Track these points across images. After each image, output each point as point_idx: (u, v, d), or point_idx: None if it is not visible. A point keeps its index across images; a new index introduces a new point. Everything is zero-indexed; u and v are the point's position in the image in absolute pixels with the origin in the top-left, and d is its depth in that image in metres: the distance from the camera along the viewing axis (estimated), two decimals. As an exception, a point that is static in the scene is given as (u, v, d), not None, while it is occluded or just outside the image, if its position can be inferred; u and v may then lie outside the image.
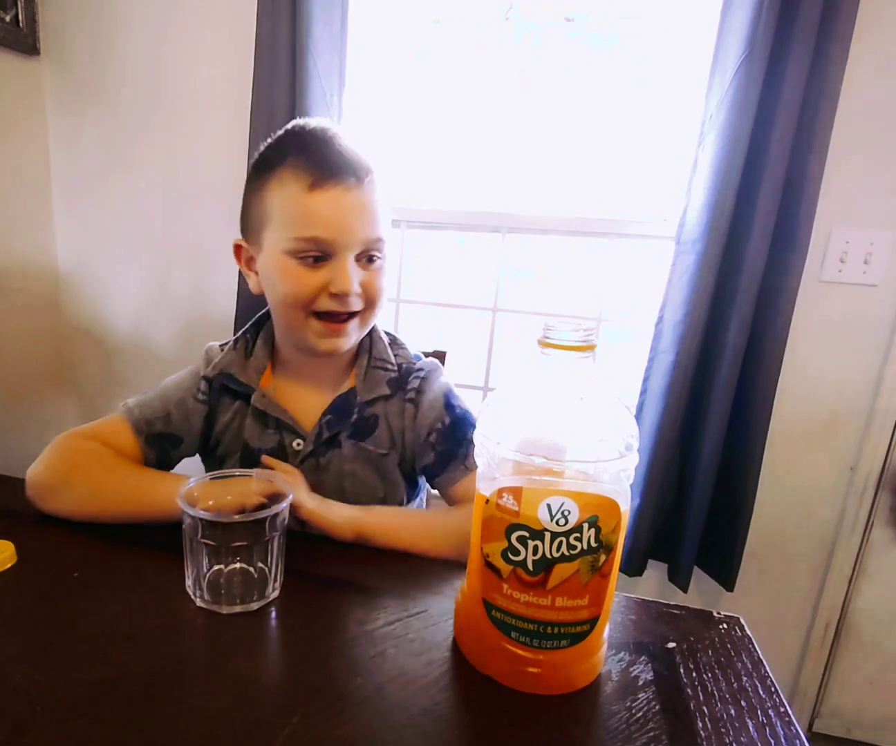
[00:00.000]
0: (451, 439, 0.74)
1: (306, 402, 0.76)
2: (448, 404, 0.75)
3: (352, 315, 0.69)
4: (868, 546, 1.34)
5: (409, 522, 0.69)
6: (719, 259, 1.18)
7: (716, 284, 1.19)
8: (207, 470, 0.82)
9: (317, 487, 0.70)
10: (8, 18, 1.43)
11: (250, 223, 0.71)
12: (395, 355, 0.78)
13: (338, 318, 0.69)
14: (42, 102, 1.57)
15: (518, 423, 0.47)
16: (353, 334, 0.71)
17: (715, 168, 1.15)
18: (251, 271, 0.74)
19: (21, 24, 1.46)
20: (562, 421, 0.47)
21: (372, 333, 0.78)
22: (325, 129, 0.68)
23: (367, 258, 0.68)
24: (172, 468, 0.77)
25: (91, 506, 0.65)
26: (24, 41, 1.48)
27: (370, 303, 0.70)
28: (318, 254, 0.66)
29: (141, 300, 1.64)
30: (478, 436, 0.49)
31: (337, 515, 0.64)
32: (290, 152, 0.67)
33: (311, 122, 0.70)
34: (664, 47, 1.35)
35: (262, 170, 0.69)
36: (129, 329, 1.67)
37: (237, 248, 0.75)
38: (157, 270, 1.61)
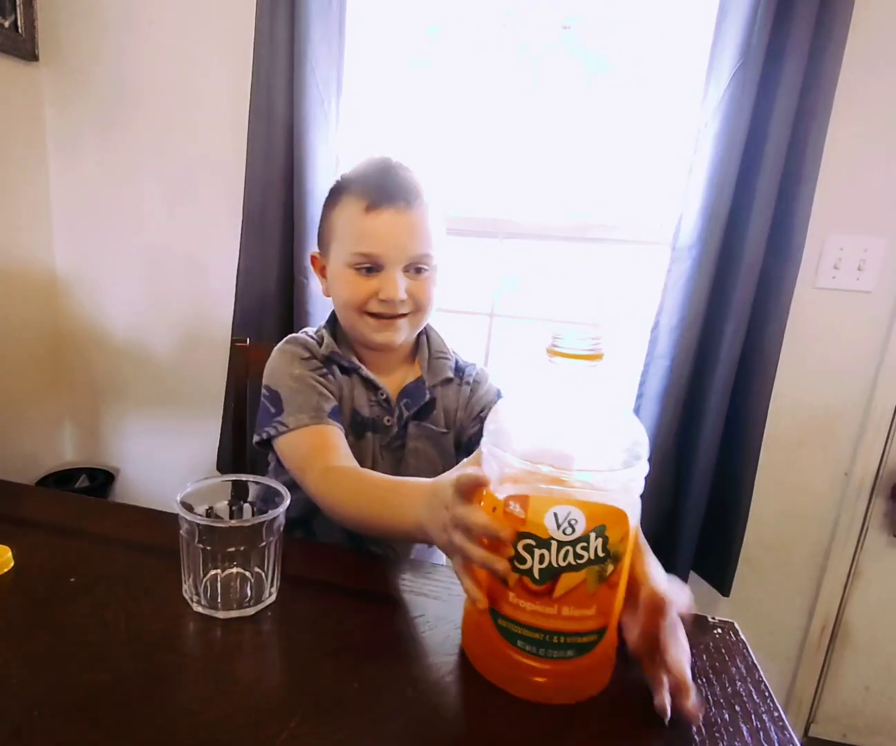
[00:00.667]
0: None
1: (388, 385, 0.84)
2: (500, 395, 0.87)
3: (400, 314, 0.78)
4: (863, 551, 1.35)
5: None
6: (715, 265, 1.18)
7: (711, 290, 1.20)
8: None
9: (396, 466, 0.81)
10: (7, 24, 1.43)
11: (323, 237, 0.83)
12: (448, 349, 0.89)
13: (387, 317, 0.78)
14: (41, 108, 1.57)
15: (526, 431, 0.48)
16: (403, 330, 0.80)
17: (710, 175, 1.16)
18: (323, 277, 0.85)
19: (20, 30, 1.46)
20: (569, 429, 0.47)
21: (429, 332, 0.88)
22: (384, 160, 0.79)
23: (414, 269, 0.77)
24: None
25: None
26: (23, 47, 1.48)
27: (418, 306, 0.79)
28: (370, 266, 0.76)
29: (138, 305, 1.65)
30: (486, 444, 0.49)
31: None
32: (353, 180, 0.78)
33: (376, 155, 0.81)
34: (660, 55, 1.37)
35: (333, 194, 0.81)
36: (126, 334, 1.67)
37: (314, 259, 0.86)
38: (155, 275, 1.61)
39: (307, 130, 1.28)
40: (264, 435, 0.77)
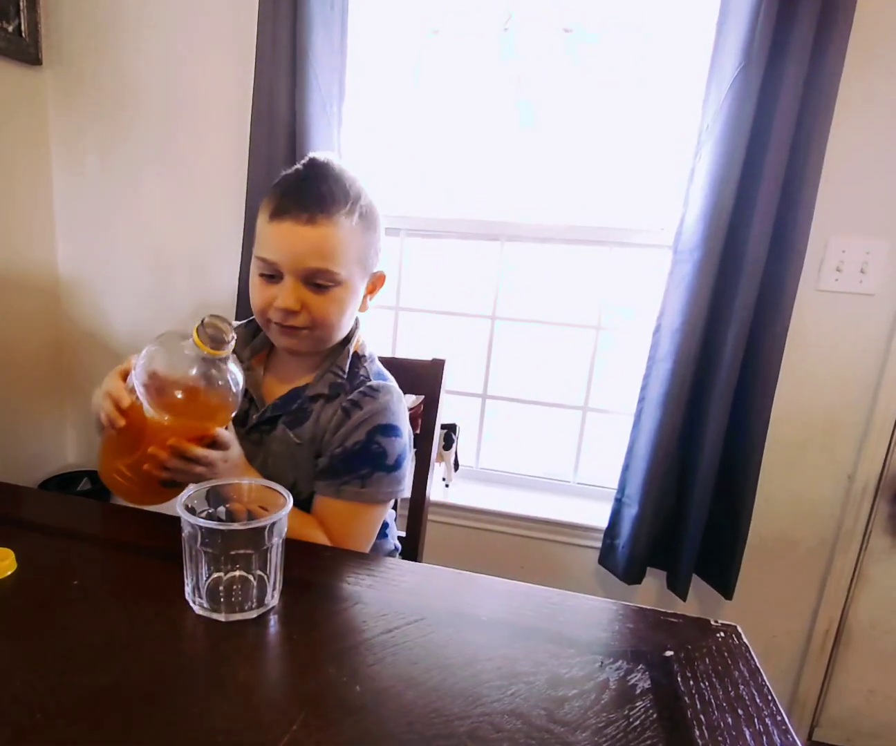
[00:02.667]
0: (350, 460, 0.78)
1: (280, 387, 0.85)
2: (373, 432, 0.78)
3: (297, 328, 0.77)
4: (866, 553, 1.34)
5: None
6: (717, 267, 1.18)
7: (713, 293, 1.20)
8: None
9: (250, 458, 0.78)
10: (10, 28, 1.44)
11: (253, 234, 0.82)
12: (354, 368, 0.83)
13: (285, 327, 0.77)
14: (44, 112, 1.58)
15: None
16: (306, 342, 0.79)
17: (712, 178, 1.15)
18: None
19: (24, 34, 1.47)
20: None
21: (347, 345, 0.83)
22: (309, 167, 0.77)
23: (314, 284, 0.75)
24: None
25: None
26: (27, 51, 1.49)
27: (315, 322, 0.77)
28: (271, 273, 0.75)
29: (140, 308, 1.65)
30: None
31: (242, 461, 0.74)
32: (277, 184, 0.78)
33: (314, 158, 0.78)
34: (661, 58, 1.37)
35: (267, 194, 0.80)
36: (128, 336, 1.68)
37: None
38: (157, 279, 1.62)
39: (309, 134, 1.29)
40: None
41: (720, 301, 1.21)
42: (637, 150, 1.42)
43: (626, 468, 1.36)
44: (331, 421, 0.79)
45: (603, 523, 1.41)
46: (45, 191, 1.62)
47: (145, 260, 1.61)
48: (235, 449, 0.72)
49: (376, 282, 0.84)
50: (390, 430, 0.79)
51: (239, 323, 0.90)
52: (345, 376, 0.82)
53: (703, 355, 1.24)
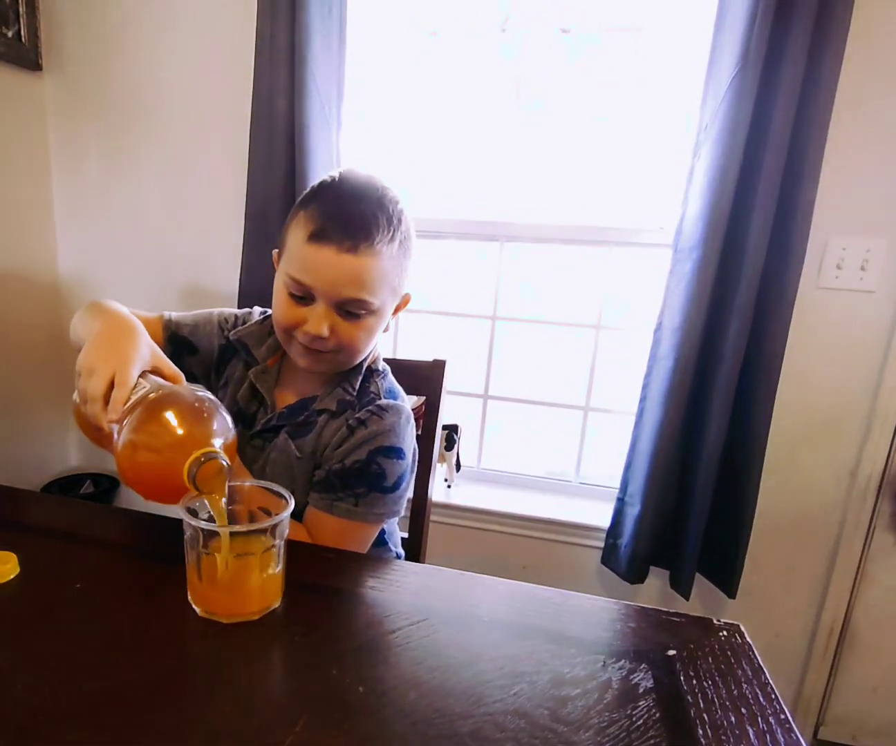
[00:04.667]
0: (347, 478, 0.76)
1: (289, 394, 0.83)
2: (374, 453, 0.76)
3: (323, 350, 0.75)
4: (870, 551, 1.34)
5: None
6: (717, 266, 1.18)
7: (714, 291, 1.20)
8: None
9: (250, 463, 0.79)
10: (10, 34, 1.44)
11: (281, 242, 0.78)
12: (366, 383, 0.82)
13: (310, 349, 0.75)
14: (44, 117, 1.58)
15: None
16: (327, 364, 0.77)
17: (711, 177, 1.15)
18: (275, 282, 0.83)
19: (23, 40, 1.48)
20: None
21: (363, 361, 0.82)
22: (351, 184, 0.74)
23: (346, 311, 0.73)
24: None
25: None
26: (27, 56, 1.49)
27: (341, 347, 0.75)
28: (300, 294, 0.73)
29: (142, 310, 1.65)
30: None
31: None
32: (315, 198, 0.73)
33: (351, 175, 0.75)
34: (659, 58, 1.37)
35: (298, 204, 0.76)
36: (130, 340, 1.68)
37: (275, 257, 0.81)
38: (158, 281, 1.62)
39: (308, 135, 1.29)
40: None
41: (721, 299, 1.21)
42: (636, 150, 1.42)
43: (627, 467, 1.36)
44: (333, 437, 0.78)
45: (605, 523, 1.41)
46: (46, 195, 1.62)
47: (146, 263, 1.62)
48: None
49: (402, 304, 0.82)
50: (393, 452, 0.77)
51: (262, 312, 0.91)
52: (354, 394, 0.80)
53: (705, 353, 1.24)
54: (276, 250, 0.80)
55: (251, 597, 0.55)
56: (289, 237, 0.75)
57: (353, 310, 0.72)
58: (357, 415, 0.78)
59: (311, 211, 0.71)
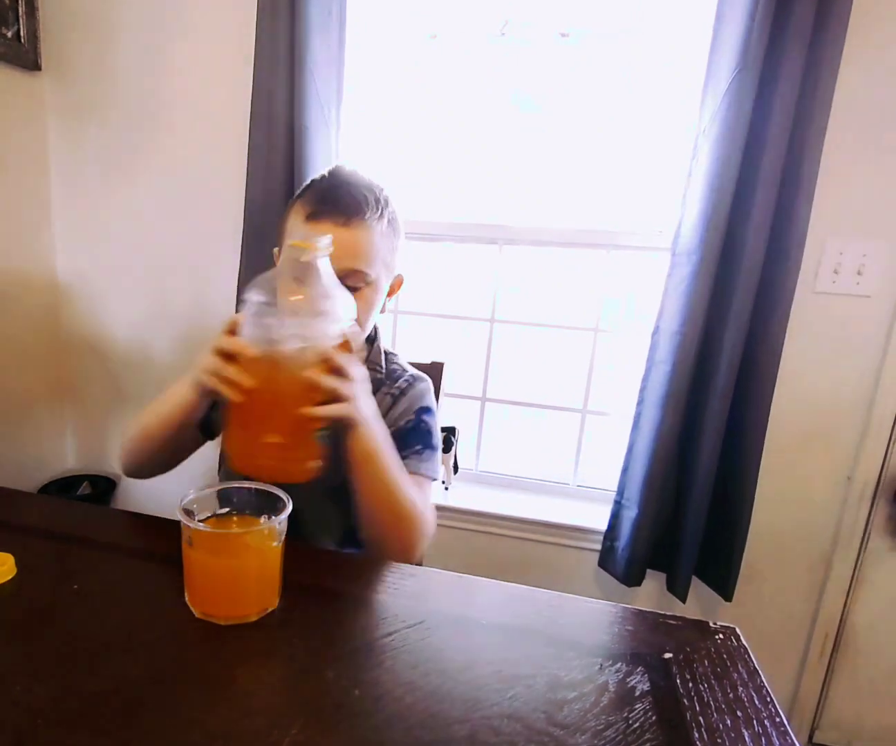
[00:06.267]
0: (404, 437, 0.82)
1: None
2: (419, 412, 0.85)
3: None
4: (866, 555, 1.34)
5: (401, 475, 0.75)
6: (715, 270, 1.19)
7: (711, 295, 1.20)
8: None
9: None
10: (10, 34, 1.44)
11: (280, 236, 0.85)
12: (390, 365, 0.89)
13: None
14: (43, 117, 1.58)
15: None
16: None
17: (709, 180, 1.16)
18: None
19: (22, 40, 1.47)
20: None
21: (373, 343, 0.89)
22: (340, 171, 0.82)
23: (345, 285, 0.75)
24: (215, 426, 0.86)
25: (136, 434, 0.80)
26: (26, 57, 1.49)
27: None
28: None
29: (140, 311, 1.65)
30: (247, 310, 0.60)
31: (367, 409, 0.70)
32: (309, 187, 0.81)
33: (340, 168, 0.83)
34: (658, 61, 1.37)
35: (293, 199, 0.83)
36: (128, 340, 1.68)
37: (275, 256, 0.87)
38: (157, 282, 1.62)
39: (307, 138, 1.29)
40: None
41: (718, 303, 1.21)
42: (634, 153, 1.42)
43: (625, 470, 1.36)
44: (378, 409, 0.83)
45: (602, 525, 1.41)
46: (44, 196, 1.62)
47: (145, 265, 1.62)
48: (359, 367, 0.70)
49: (396, 285, 0.88)
50: (430, 412, 0.86)
51: None
52: (383, 372, 0.87)
53: (702, 357, 1.24)
54: (277, 248, 0.85)
55: (248, 599, 0.55)
56: (287, 226, 0.81)
57: (351, 283, 0.76)
58: (396, 385, 0.86)
59: (306, 197, 0.79)
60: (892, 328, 1.24)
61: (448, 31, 1.46)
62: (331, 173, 0.82)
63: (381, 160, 1.54)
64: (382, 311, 0.86)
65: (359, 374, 0.67)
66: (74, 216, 1.63)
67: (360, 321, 0.79)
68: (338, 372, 0.63)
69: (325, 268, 0.62)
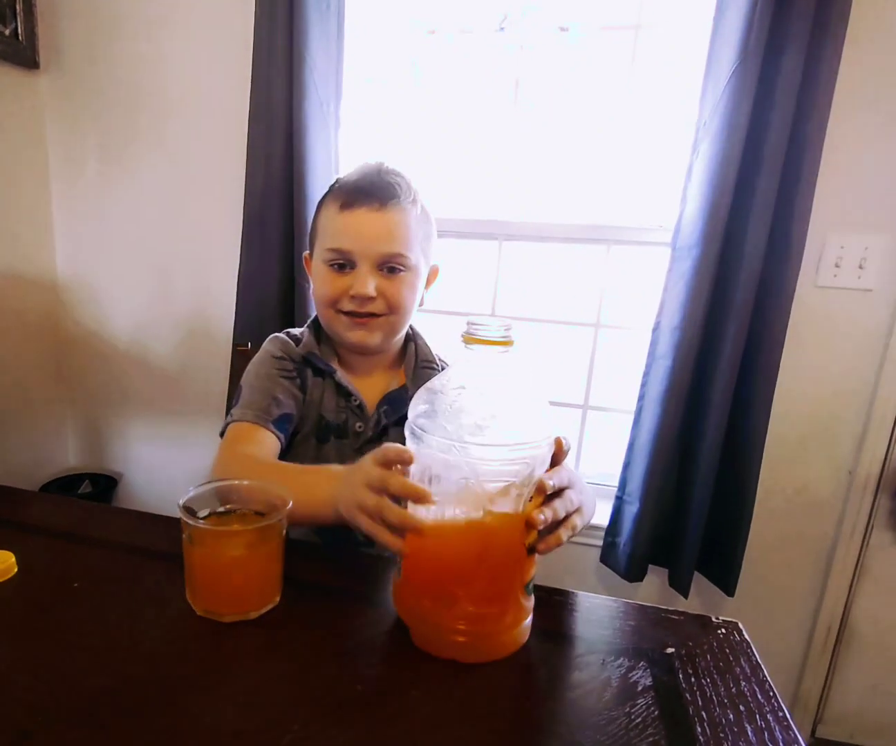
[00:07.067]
0: None
1: (369, 393, 0.85)
2: None
3: (373, 314, 0.79)
4: (868, 549, 1.34)
5: None
6: (715, 264, 1.18)
7: (712, 289, 1.20)
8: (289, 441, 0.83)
9: None
10: (7, 32, 1.44)
11: (312, 237, 0.85)
12: (441, 359, 0.90)
13: (359, 316, 0.79)
14: (41, 115, 1.58)
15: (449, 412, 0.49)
16: (377, 331, 0.81)
17: (710, 174, 1.15)
18: (312, 277, 0.86)
19: (21, 38, 1.47)
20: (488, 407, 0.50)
21: (417, 340, 0.90)
22: (371, 163, 0.82)
23: (387, 268, 0.78)
24: (291, 446, 0.82)
25: None
26: (24, 55, 1.49)
27: (391, 307, 0.79)
28: (342, 263, 0.78)
29: (140, 310, 1.65)
30: (409, 426, 0.51)
31: None
32: (338, 182, 0.82)
33: (366, 162, 0.83)
34: (658, 54, 1.37)
35: (322, 198, 0.84)
36: (128, 339, 1.68)
37: (306, 260, 0.88)
38: (157, 280, 1.62)
39: (306, 135, 1.29)
40: (222, 428, 0.78)
41: (719, 297, 1.21)
42: (635, 148, 1.42)
43: (626, 466, 1.36)
44: None
45: (604, 521, 1.41)
46: (43, 194, 1.62)
47: (144, 262, 1.61)
48: None
49: (432, 275, 0.88)
50: None
51: (290, 332, 0.88)
52: (440, 367, 0.87)
53: (703, 352, 1.24)
54: (307, 252, 0.86)
55: (249, 596, 0.55)
56: (319, 223, 0.82)
57: (392, 264, 0.78)
58: None
59: (337, 191, 0.79)
60: (893, 321, 1.24)
61: (447, 26, 1.45)
62: (359, 168, 0.82)
63: (380, 156, 1.53)
64: (421, 305, 0.86)
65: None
66: (74, 214, 1.63)
67: (404, 306, 0.81)
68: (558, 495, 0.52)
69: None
